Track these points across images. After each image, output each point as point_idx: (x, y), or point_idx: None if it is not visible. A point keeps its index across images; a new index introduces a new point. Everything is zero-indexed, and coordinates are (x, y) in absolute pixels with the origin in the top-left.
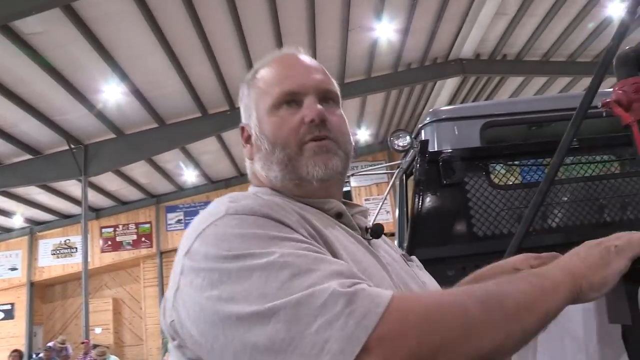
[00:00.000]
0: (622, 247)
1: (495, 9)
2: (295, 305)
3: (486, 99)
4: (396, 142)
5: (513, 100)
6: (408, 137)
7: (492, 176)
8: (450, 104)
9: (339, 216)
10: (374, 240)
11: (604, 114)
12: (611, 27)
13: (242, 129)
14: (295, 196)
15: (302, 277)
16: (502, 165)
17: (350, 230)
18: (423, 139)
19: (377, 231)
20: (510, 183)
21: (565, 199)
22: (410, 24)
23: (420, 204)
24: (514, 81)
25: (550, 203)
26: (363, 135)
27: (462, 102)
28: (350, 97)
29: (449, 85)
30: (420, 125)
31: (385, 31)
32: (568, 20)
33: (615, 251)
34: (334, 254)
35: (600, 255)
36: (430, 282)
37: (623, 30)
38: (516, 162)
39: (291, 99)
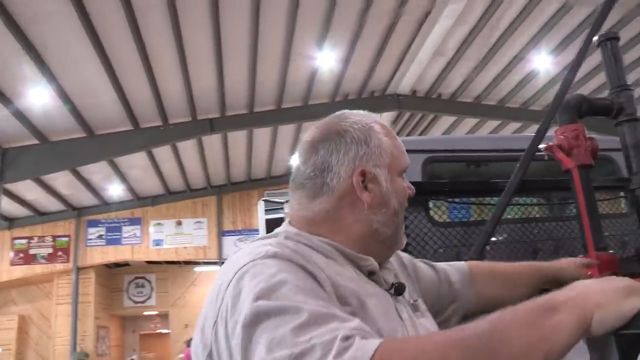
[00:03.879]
0: (637, 291)
1: (434, 49)
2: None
3: (420, 135)
4: None
5: (457, 137)
6: None
7: (431, 212)
8: None
9: (371, 273)
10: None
11: (546, 157)
12: (537, 79)
13: (362, 172)
14: (356, 250)
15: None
16: (442, 202)
17: (377, 288)
18: None
19: (399, 289)
20: (450, 220)
21: (501, 239)
22: (351, 55)
23: None
24: (446, 120)
25: (488, 243)
26: (297, 161)
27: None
28: (287, 123)
29: (385, 119)
30: None
31: (326, 60)
32: (500, 68)
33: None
34: (346, 307)
35: (620, 290)
36: (432, 326)
37: (570, 78)
38: (457, 200)
39: (404, 173)
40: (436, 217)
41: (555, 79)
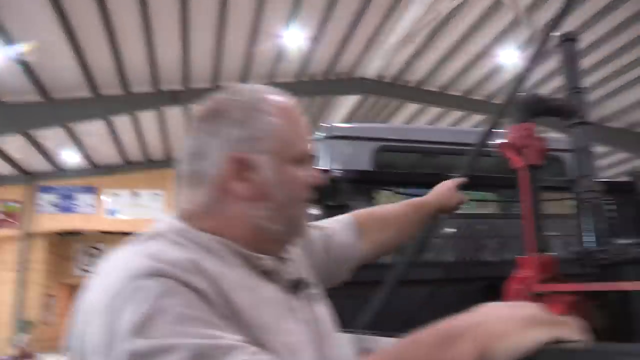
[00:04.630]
0: (551, 320)
1: (403, 36)
2: None
3: (383, 122)
4: None
5: (411, 127)
6: None
7: (378, 203)
8: (347, 122)
9: (267, 273)
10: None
11: (497, 154)
12: (503, 73)
13: (238, 159)
14: (248, 247)
15: None
16: (390, 192)
17: (273, 290)
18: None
19: (300, 285)
20: None
21: (449, 233)
22: (320, 36)
23: None
24: (411, 108)
25: (434, 236)
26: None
27: (359, 122)
28: None
29: (349, 102)
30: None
31: (294, 39)
32: (467, 59)
33: (541, 320)
34: (240, 322)
35: (524, 319)
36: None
37: (522, 77)
38: (406, 191)
39: (305, 159)
40: None
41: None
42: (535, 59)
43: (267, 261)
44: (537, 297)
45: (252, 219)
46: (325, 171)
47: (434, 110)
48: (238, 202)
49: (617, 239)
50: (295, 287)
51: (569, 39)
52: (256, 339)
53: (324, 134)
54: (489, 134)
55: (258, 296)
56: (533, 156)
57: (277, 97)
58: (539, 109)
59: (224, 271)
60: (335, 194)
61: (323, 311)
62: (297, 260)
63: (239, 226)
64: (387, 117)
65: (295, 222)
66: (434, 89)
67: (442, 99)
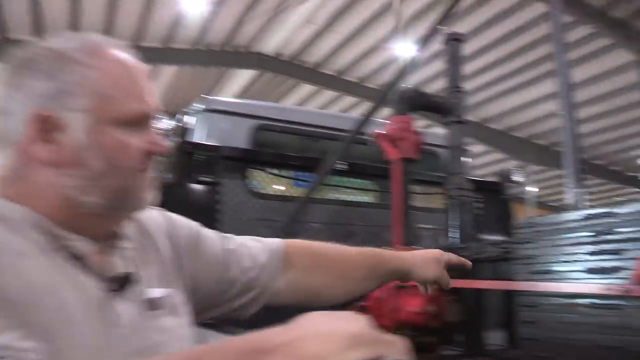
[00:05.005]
0: (374, 339)
1: (305, 15)
2: None
3: (275, 101)
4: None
5: (293, 107)
6: (171, 121)
7: (252, 182)
8: (240, 96)
9: (77, 258)
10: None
11: (373, 144)
12: (398, 64)
13: (42, 117)
14: (60, 224)
15: None
16: (266, 172)
17: (84, 281)
18: (187, 125)
19: (125, 282)
20: (271, 193)
21: (320, 219)
22: (220, 6)
23: (165, 196)
24: (306, 89)
25: (305, 221)
26: None
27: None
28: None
29: (244, 77)
30: (186, 111)
31: (194, 4)
32: (365, 47)
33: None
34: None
35: (345, 338)
36: (179, 328)
37: (403, 70)
38: (283, 173)
39: (139, 122)
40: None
41: (415, 68)
42: (419, 52)
43: (76, 242)
44: (398, 290)
45: (60, 188)
46: (200, 145)
47: (329, 94)
48: (43, 167)
49: (482, 236)
50: (120, 283)
51: (455, 38)
52: (27, 330)
53: (203, 107)
54: (365, 123)
55: (55, 287)
56: (407, 149)
57: (104, 48)
58: (418, 104)
59: (19, 252)
60: (208, 170)
61: (169, 326)
62: (146, 254)
63: (45, 197)
64: (282, 96)
65: (122, 195)
66: (330, 73)
67: (337, 83)
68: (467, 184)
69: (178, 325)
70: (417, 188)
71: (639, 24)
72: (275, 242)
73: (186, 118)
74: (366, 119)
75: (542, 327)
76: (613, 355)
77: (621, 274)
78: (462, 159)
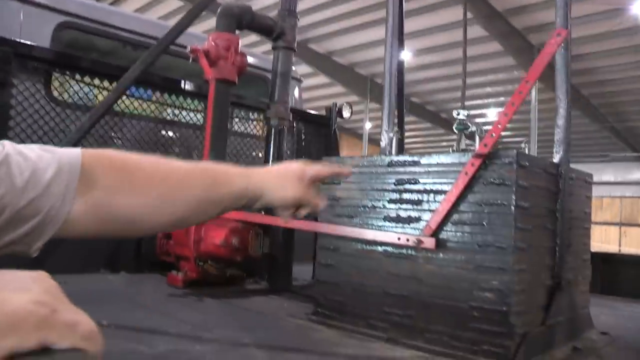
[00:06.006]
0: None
1: None
2: None
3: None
4: None
5: (111, 8)
6: None
7: (53, 87)
8: None
9: None
10: None
11: (191, 59)
12: None
13: None
14: None
15: None
16: (74, 79)
17: None
18: None
19: None
20: (74, 101)
21: (128, 135)
22: None
23: None
24: None
25: (110, 136)
26: None
27: None
28: None
29: None
30: None
31: None
32: None
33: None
34: None
35: None
36: None
37: None
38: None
39: None
40: (57, 94)
41: None
42: None
43: None
44: None
45: None
46: None
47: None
48: None
49: None
50: None
51: None
52: None
53: None
54: (177, 34)
55: None
56: (227, 70)
57: None
58: (247, 22)
59: None
60: None
61: None
62: None
63: None
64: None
65: None
66: None
67: None
68: (288, 114)
69: None
70: (241, 113)
71: None
72: (70, 152)
73: None
74: (179, 29)
75: (339, 271)
76: (399, 303)
77: (418, 225)
78: (287, 87)
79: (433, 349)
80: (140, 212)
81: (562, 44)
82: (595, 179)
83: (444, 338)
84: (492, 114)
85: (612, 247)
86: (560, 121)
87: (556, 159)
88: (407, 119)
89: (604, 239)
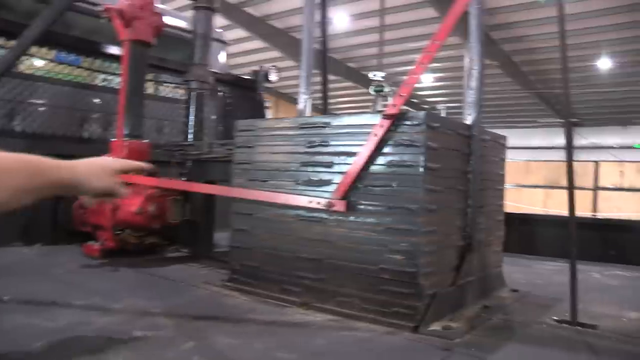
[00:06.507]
0: None
1: None
2: None
3: None
4: None
5: None
6: None
7: None
8: None
9: None
10: None
11: (105, 20)
12: None
13: None
14: None
15: None
16: None
17: None
18: None
19: None
20: None
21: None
22: None
23: None
24: None
25: (21, 101)
26: None
27: None
28: None
29: None
30: None
31: None
32: None
33: None
34: None
35: None
36: None
37: None
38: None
39: None
40: None
41: None
42: None
43: None
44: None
45: None
46: None
47: None
48: None
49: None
50: None
51: None
52: None
53: None
54: None
55: None
56: (143, 32)
57: None
58: None
59: None
60: None
61: None
62: None
63: None
64: None
65: None
66: None
67: None
68: (209, 77)
69: None
70: (163, 76)
71: None
72: None
73: None
74: None
75: (254, 236)
76: (311, 267)
77: (329, 188)
78: (208, 48)
79: (345, 312)
80: None
81: (476, 3)
82: (524, 143)
83: (355, 301)
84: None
85: (537, 209)
86: (473, 83)
87: (468, 120)
88: (344, 84)
89: (531, 202)
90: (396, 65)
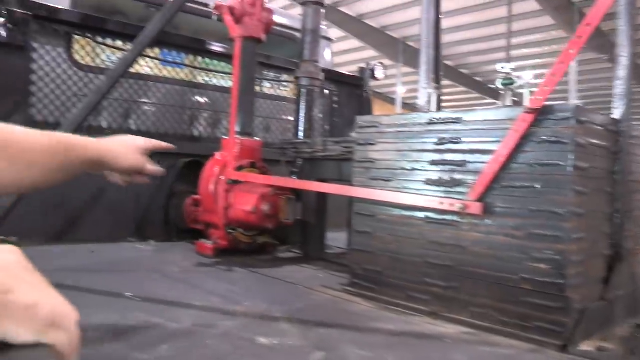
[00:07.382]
0: None
1: None
2: None
3: None
4: None
5: None
6: None
7: (74, 50)
8: None
9: None
10: None
11: (216, 18)
12: None
13: None
14: None
15: None
16: (88, 39)
17: None
18: None
19: None
20: (98, 65)
21: (154, 99)
22: None
23: None
24: None
25: (135, 101)
26: None
27: None
28: None
29: None
30: None
31: None
32: None
33: None
34: None
35: None
36: None
37: None
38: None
39: None
40: (80, 59)
41: None
42: None
43: None
44: (232, 185)
45: None
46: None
47: None
48: None
49: (333, 131)
50: None
51: None
52: None
53: None
54: None
55: None
56: (253, 28)
57: None
58: None
59: None
60: (16, 32)
61: None
62: None
63: None
64: None
65: None
66: None
67: None
68: (320, 74)
69: None
70: (269, 74)
71: None
72: None
73: None
74: None
75: (376, 239)
76: (442, 274)
77: (462, 188)
78: (318, 45)
79: (480, 324)
80: (5, 177)
81: None
82: None
83: (490, 312)
84: (528, 77)
85: None
86: (622, 72)
87: (616, 115)
88: (455, 89)
89: None
90: (493, 63)
